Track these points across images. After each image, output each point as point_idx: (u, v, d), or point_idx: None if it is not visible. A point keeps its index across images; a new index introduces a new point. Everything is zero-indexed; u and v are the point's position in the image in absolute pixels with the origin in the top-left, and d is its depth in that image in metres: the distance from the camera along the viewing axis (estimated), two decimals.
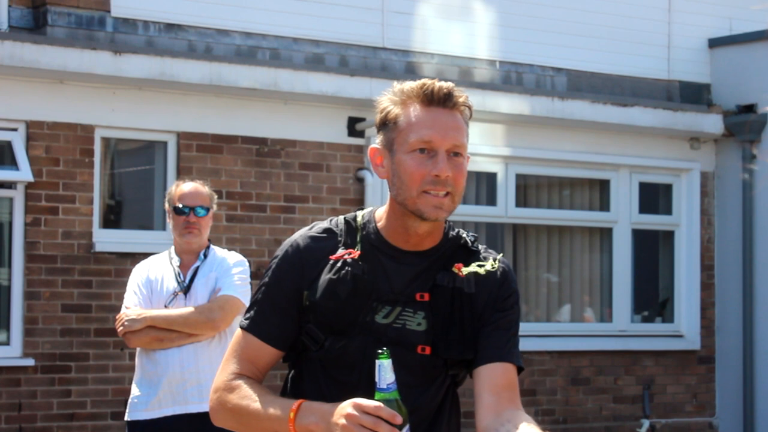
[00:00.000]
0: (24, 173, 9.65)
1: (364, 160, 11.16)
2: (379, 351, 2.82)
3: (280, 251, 3.10)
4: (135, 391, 6.09)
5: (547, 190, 12.52)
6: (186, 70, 10.08)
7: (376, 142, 3.05)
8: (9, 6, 9.97)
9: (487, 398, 3.01)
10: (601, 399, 12.33)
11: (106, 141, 10.24)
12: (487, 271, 3.04)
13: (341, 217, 3.11)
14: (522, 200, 12.22)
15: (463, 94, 3.00)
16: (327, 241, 3.06)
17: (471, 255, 3.08)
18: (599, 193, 12.69)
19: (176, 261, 6.08)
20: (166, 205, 6.17)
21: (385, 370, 2.80)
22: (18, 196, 9.79)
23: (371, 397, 2.81)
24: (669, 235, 13.04)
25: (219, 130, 10.46)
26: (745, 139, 12.76)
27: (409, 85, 3.00)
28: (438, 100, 2.95)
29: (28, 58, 9.48)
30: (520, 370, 3.13)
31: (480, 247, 3.12)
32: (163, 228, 10.13)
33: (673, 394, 12.78)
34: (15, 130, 9.76)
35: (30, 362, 9.72)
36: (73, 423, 9.82)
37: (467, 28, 11.87)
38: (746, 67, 12.89)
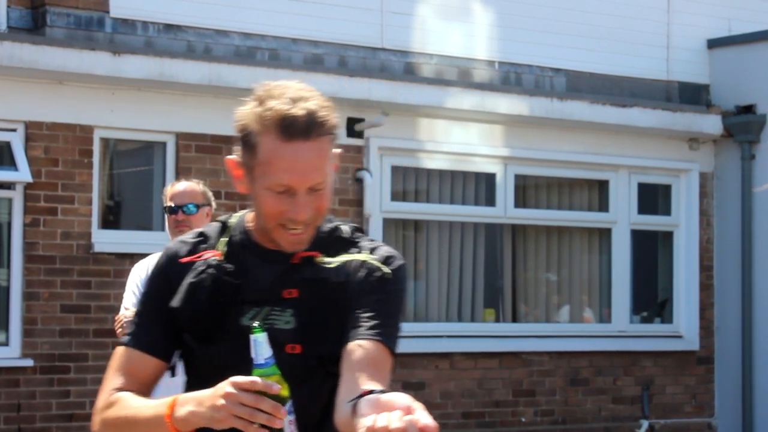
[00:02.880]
0: (23, 174, 9.65)
1: (363, 160, 11.16)
2: (253, 325, 2.65)
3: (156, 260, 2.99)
4: None
5: (546, 190, 12.52)
6: (185, 71, 10.08)
7: (236, 153, 2.87)
8: (8, 6, 9.97)
9: (345, 376, 2.75)
10: (600, 399, 12.32)
11: (105, 141, 10.24)
12: (355, 259, 2.86)
13: (217, 220, 3.00)
14: (521, 201, 12.22)
15: (327, 118, 2.80)
16: (198, 245, 2.94)
17: (349, 246, 2.91)
18: (598, 193, 12.69)
19: None
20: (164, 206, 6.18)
21: (260, 345, 2.64)
22: (17, 196, 9.79)
23: None
24: (668, 236, 13.05)
25: (218, 130, 10.45)
26: (744, 139, 12.76)
27: (270, 112, 2.77)
28: (299, 133, 2.76)
29: (27, 59, 9.48)
30: (394, 355, 2.84)
31: (361, 237, 2.94)
32: (162, 228, 10.11)
33: (672, 395, 12.78)
34: (14, 130, 9.76)
35: (29, 363, 9.72)
36: (72, 423, 9.82)
37: (466, 28, 11.87)
38: (745, 67, 12.89)
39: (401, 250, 11.61)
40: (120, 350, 2.95)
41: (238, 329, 2.83)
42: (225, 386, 2.62)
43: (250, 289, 2.87)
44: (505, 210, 12.03)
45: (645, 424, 12.29)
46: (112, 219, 10.42)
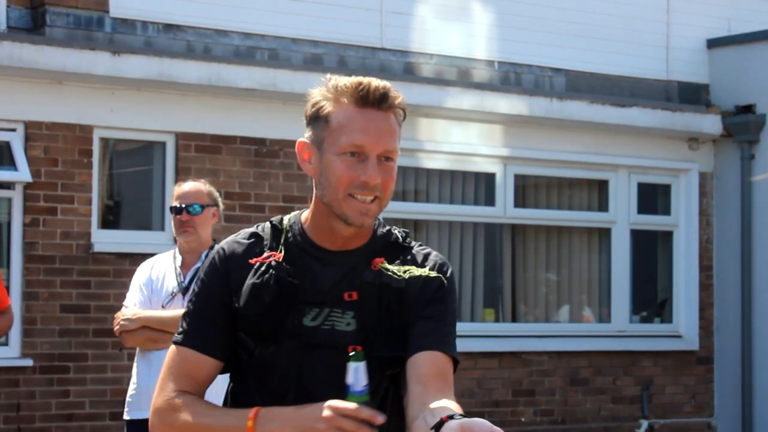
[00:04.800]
0: (22, 174, 9.64)
1: None
2: (353, 352, 2.76)
3: (208, 260, 3.01)
4: (133, 389, 6.11)
5: (546, 190, 12.52)
6: (184, 71, 10.08)
7: (305, 136, 2.94)
8: (8, 6, 9.97)
9: (415, 389, 2.82)
10: (599, 399, 12.33)
11: (104, 141, 10.24)
12: (411, 275, 2.92)
13: (268, 222, 3.03)
14: (521, 201, 12.22)
15: (399, 95, 2.91)
16: (253, 246, 2.97)
17: (402, 251, 2.97)
18: (598, 193, 12.69)
19: (179, 260, 6.09)
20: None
21: (360, 372, 2.74)
22: (17, 196, 9.79)
23: (301, 403, 2.76)
24: (668, 236, 13.05)
25: (217, 130, 10.46)
26: (743, 139, 12.76)
27: (344, 81, 2.88)
28: (373, 102, 2.86)
29: (26, 59, 9.48)
30: (456, 363, 2.92)
31: (413, 243, 3.01)
32: (162, 228, 10.14)
33: (671, 395, 12.78)
34: (14, 130, 9.76)
35: (28, 362, 9.71)
36: (71, 423, 9.82)
37: (466, 28, 11.87)
38: (745, 67, 12.89)
39: None
40: (174, 350, 2.96)
41: (299, 329, 2.88)
42: (323, 409, 2.66)
43: (310, 290, 2.90)
44: (504, 210, 12.03)
45: (644, 424, 12.29)
46: (111, 219, 10.42)
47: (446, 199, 11.85)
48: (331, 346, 2.87)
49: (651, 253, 13.15)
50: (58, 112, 9.86)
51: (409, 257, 2.97)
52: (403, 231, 3.03)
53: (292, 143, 10.84)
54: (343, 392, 2.78)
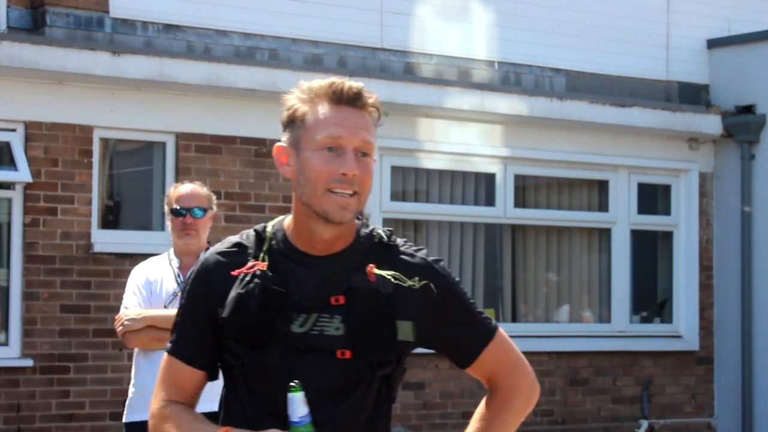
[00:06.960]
0: (23, 174, 9.64)
1: None
2: (291, 384, 2.83)
3: (193, 272, 3.07)
4: (133, 391, 6.09)
5: (546, 190, 12.52)
6: (185, 71, 10.08)
7: (282, 140, 2.99)
8: (8, 7, 9.97)
9: (489, 384, 3.15)
10: (599, 399, 12.32)
11: (104, 142, 10.24)
12: (399, 280, 2.96)
13: (252, 229, 3.06)
14: (521, 201, 12.22)
15: (372, 95, 2.94)
16: (237, 256, 3.01)
17: (388, 250, 3.00)
18: (598, 193, 12.69)
19: (176, 262, 6.07)
20: (165, 208, 6.16)
21: (296, 404, 2.82)
22: (16, 196, 9.79)
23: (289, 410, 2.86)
24: (667, 236, 13.05)
25: (218, 130, 10.46)
26: (743, 139, 12.76)
27: (318, 83, 2.95)
28: (347, 99, 2.90)
29: (26, 59, 9.48)
30: (497, 329, 3.17)
31: (399, 241, 3.04)
32: (162, 229, 10.12)
33: (671, 395, 12.78)
34: (14, 130, 9.76)
35: (29, 363, 9.71)
36: (71, 423, 9.82)
37: (466, 28, 11.87)
38: (745, 67, 12.89)
39: None
40: (166, 358, 3.06)
41: (287, 336, 2.92)
42: None
43: (296, 297, 2.94)
44: (504, 210, 12.03)
45: (644, 424, 12.29)
46: (111, 219, 10.42)
47: (446, 199, 11.85)
48: (320, 351, 2.91)
49: (651, 253, 13.15)
50: (58, 112, 9.86)
51: (396, 260, 3.00)
52: (387, 230, 3.05)
53: None
54: (331, 398, 2.90)
